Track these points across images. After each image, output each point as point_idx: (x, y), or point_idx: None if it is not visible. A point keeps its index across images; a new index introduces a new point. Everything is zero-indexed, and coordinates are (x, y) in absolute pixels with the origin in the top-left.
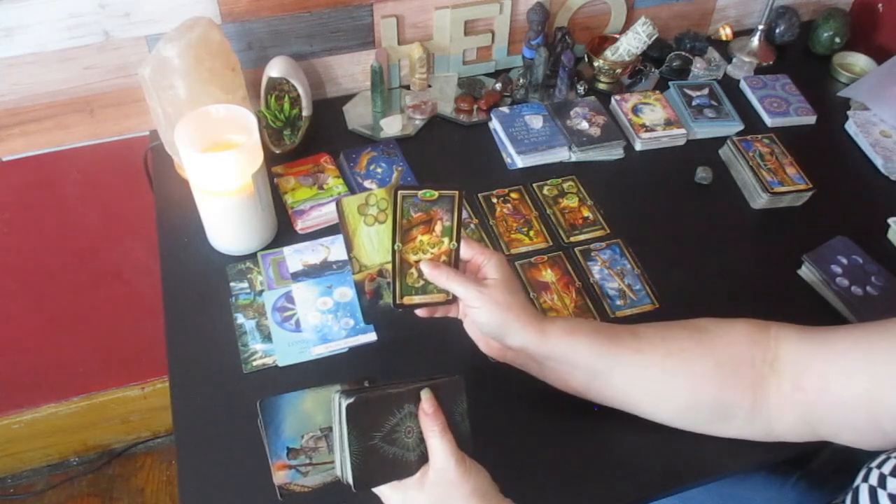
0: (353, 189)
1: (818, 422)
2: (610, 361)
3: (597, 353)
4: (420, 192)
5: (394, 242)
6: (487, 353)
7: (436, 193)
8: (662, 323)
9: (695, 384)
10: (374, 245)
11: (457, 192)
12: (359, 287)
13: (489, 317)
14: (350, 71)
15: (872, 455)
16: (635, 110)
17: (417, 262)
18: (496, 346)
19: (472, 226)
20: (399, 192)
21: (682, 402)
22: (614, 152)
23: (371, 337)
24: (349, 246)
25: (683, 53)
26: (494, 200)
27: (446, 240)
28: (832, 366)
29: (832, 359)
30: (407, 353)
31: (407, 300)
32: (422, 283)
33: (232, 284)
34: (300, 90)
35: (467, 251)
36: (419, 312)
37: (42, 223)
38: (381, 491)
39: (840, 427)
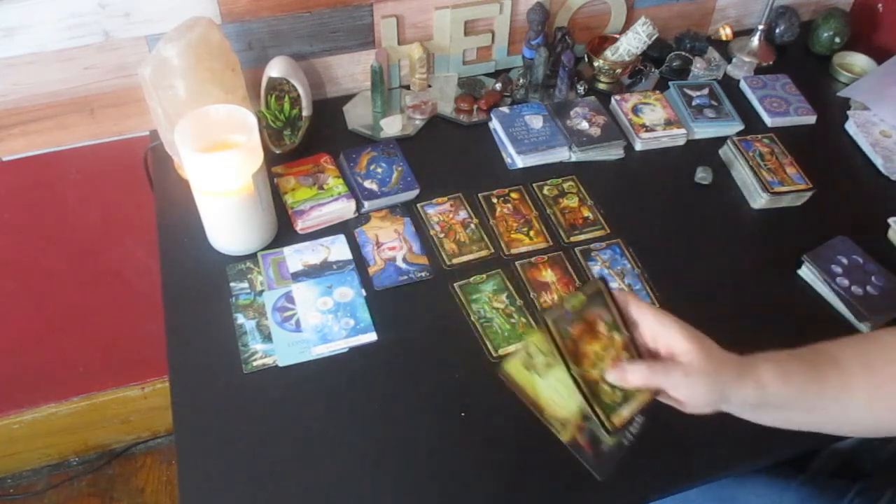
0: (353, 189)
1: None
2: (820, 402)
3: (808, 394)
4: (568, 307)
5: (569, 370)
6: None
7: (583, 297)
8: (859, 342)
9: None
10: (562, 392)
11: (599, 281)
12: (573, 446)
13: (703, 394)
14: (350, 71)
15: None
16: (635, 110)
17: (602, 375)
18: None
19: (473, 226)
20: (547, 319)
21: (888, 428)
22: (614, 152)
23: (371, 337)
24: (539, 410)
25: (683, 53)
26: (494, 200)
27: (616, 335)
28: None
29: None
30: (407, 353)
31: (618, 420)
32: (619, 393)
33: (232, 284)
34: (300, 90)
35: (632, 315)
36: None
37: (42, 223)
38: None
39: None
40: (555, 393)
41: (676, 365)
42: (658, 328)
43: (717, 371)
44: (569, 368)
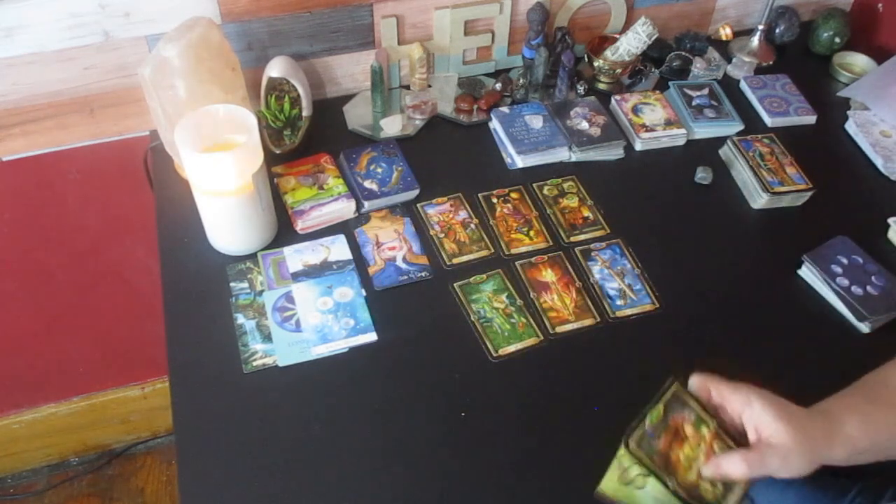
0: (353, 189)
1: None
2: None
3: (888, 441)
4: (648, 424)
5: (667, 486)
6: None
7: (660, 408)
8: None
9: None
10: (662, 498)
11: (672, 382)
12: None
13: (799, 467)
14: (350, 71)
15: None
16: (635, 110)
17: (699, 476)
18: None
19: (473, 226)
20: (631, 444)
21: None
22: (614, 152)
23: (371, 337)
24: None
25: (683, 53)
26: (494, 200)
27: (704, 429)
28: None
29: None
30: (407, 353)
31: None
32: (719, 488)
33: (232, 284)
34: (300, 90)
35: (717, 397)
36: None
37: (42, 223)
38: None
39: None
40: (656, 502)
41: (771, 449)
42: (742, 407)
43: (807, 441)
44: (666, 485)
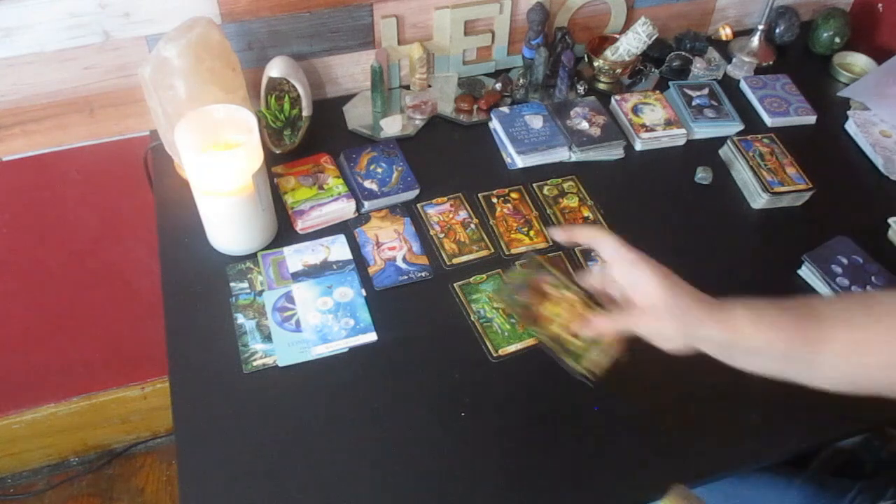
0: (353, 189)
1: None
2: (792, 351)
3: (781, 342)
4: (507, 280)
5: (535, 333)
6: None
7: (521, 271)
8: (846, 298)
9: (881, 372)
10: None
11: (535, 256)
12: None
13: (670, 334)
14: (350, 71)
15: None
16: (635, 110)
17: (563, 329)
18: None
19: (473, 226)
20: (499, 298)
21: (865, 385)
22: (614, 152)
23: (371, 337)
24: (574, 357)
25: (683, 53)
26: (495, 200)
27: (566, 292)
28: None
29: None
30: (407, 353)
31: (586, 363)
32: (588, 341)
33: (232, 284)
34: (300, 90)
35: (578, 239)
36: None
37: (42, 223)
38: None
39: None
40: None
41: (641, 311)
42: (628, 267)
43: (684, 313)
44: (534, 332)
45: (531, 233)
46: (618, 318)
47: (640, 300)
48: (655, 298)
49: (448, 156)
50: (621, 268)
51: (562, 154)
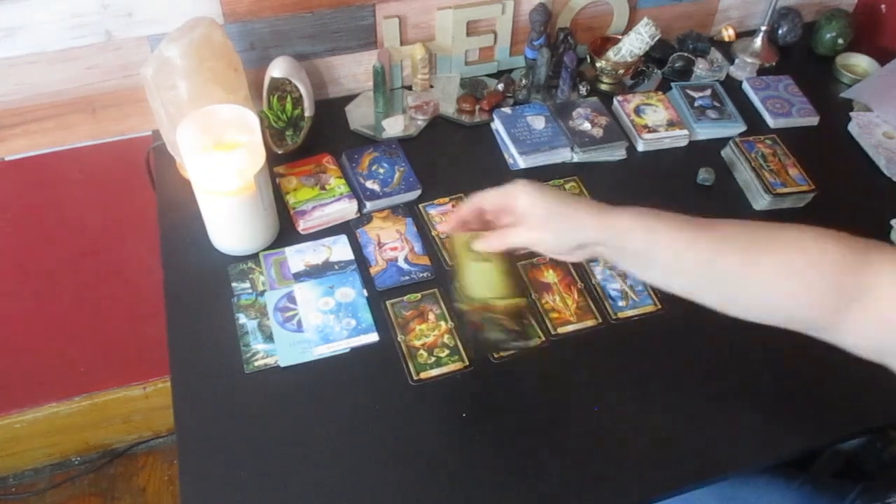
0: (354, 189)
1: (892, 355)
2: (683, 261)
3: (667, 251)
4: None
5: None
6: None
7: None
8: (750, 227)
9: (771, 301)
10: (481, 281)
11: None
12: (466, 320)
13: (553, 242)
14: (352, 71)
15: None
16: (637, 111)
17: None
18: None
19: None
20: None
21: (756, 311)
22: (617, 153)
23: (373, 337)
24: (455, 276)
25: (686, 54)
26: None
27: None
28: None
29: None
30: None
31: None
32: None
33: (234, 284)
34: (302, 90)
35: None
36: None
37: (44, 223)
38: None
39: None
40: (475, 278)
41: (521, 221)
42: (505, 188)
43: (563, 217)
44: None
45: None
46: (503, 232)
47: (519, 211)
48: (531, 206)
49: (450, 156)
50: (498, 192)
51: (564, 155)
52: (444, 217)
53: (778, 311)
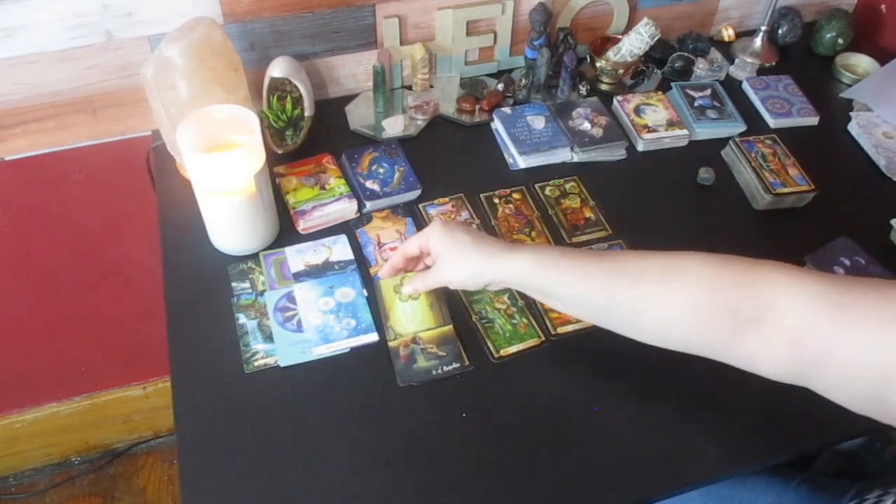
0: (354, 189)
1: (811, 376)
2: (578, 299)
3: (567, 287)
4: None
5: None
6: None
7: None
8: (642, 257)
9: (662, 326)
10: (409, 317)
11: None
12: (394, 353)
13: (461, 278)
14: (352, 71)
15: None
16: (637, 111)
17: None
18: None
19: (475, 226)
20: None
21: (653, 336)
22: (616, 153)
23: (373, 337)
24: (385, 317)
25: (686, 54)
26: (496, 201)
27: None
28: (844, 333)
29: (846, 324)
30: None
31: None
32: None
33: (233, 284)
34: (302, 90)
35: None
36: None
37: (44, 223)
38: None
39: (835, 388)
40: (403, 315)
41: (437, 263)
42: (421, 240)
43: (467, 257)
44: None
45: (533, 233)
46: (422, 274)
47: (434, 252)
48: (445, 247)
49: (450, 156)
50: (418, 236)
51: (564, 155)
52: (444, 217)
53: (671, 335)
